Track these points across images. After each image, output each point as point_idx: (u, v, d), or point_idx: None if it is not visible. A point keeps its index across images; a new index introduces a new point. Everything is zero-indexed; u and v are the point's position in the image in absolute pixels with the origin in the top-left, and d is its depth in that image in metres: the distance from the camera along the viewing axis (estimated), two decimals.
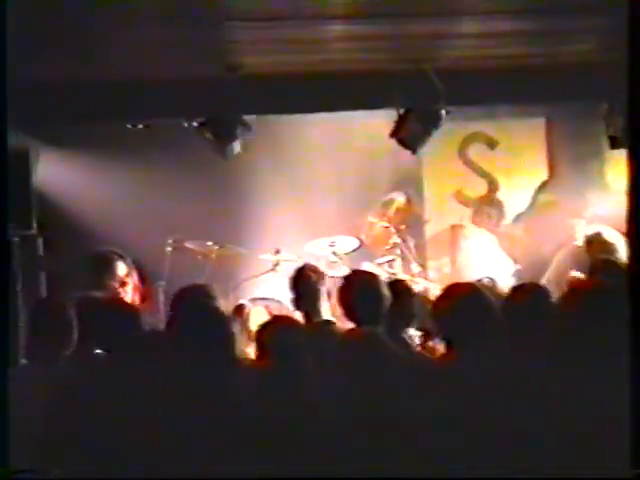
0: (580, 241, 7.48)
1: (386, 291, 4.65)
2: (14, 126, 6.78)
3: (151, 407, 3.61)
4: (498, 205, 8.74)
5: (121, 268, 6.34)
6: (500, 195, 8.82)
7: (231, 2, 5.51)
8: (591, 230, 7.33)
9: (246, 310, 6.92)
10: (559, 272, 7.40)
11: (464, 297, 3.91)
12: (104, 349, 4.27)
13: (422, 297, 6.45)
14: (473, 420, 3.55)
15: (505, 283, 7.59)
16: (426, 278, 8.16)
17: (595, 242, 6.94)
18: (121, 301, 5.49)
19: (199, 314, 4.01)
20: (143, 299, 6.87)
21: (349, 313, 4.69)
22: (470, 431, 3.54)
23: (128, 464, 3.53)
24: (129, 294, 6.38)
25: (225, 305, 5.09)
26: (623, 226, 7.35)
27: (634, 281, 3.44)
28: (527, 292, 4.32)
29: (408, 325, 4.89)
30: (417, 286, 7.50)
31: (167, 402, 3.61)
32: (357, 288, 4.73)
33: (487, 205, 8.70)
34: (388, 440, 3.52)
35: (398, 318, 4.68)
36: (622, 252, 6.87)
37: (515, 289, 4.50)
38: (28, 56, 5.91)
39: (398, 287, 4.95)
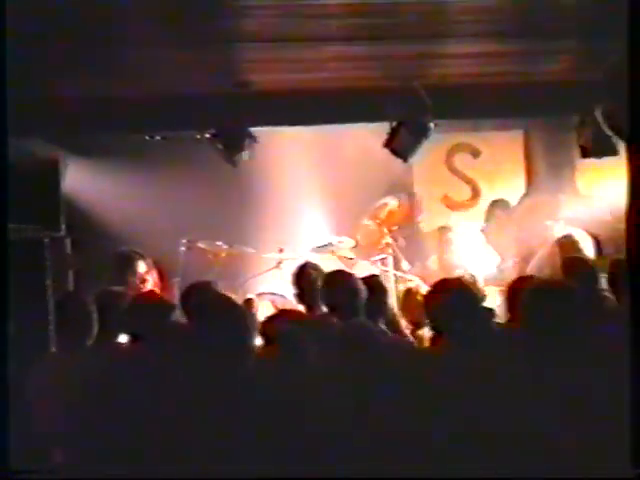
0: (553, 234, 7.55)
1: (362, 285, 4.74)
2: (45, 138, 6.85)
3: (178, 397, 3.45)
4: (506, 207, 8.70)
5: (141, 266, 6.31)
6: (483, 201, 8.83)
7: (241, 25, 5.56)
8: (563, 232, 7.36)
9: (254, 304, 6.93)
10: (539, 269, 7.42)
11: (453, 290, 3.97)
12: (136, 337, 4.26)
13: (414, 291, 6.49)
14: (468, 412, 3.42)
15: (490, 278, 7.68)
16: (416, 274, 8.18)
17: (566, 243, 6.98)
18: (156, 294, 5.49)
19: (220, 307, 3.88)
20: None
21: (331, 308, 4.81)
22: (466, 423, 3.39)
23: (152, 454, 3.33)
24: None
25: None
26: (591, 228, 7.40)
27: (634, 281, 3.22)
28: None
29: (383, 315, 4.89)
30: (411, 283, 7.53)
31: (193, 393, 3.46)
32: (338, 286, 4.83)
33: (497, 207, 8.67)
34: (388, 426, 3.42)
35: (374, 309, 4.72)
36: (590, 252, 6.90)
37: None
38: (58, 74, 5.98)
39: (372, 282, 5.00)
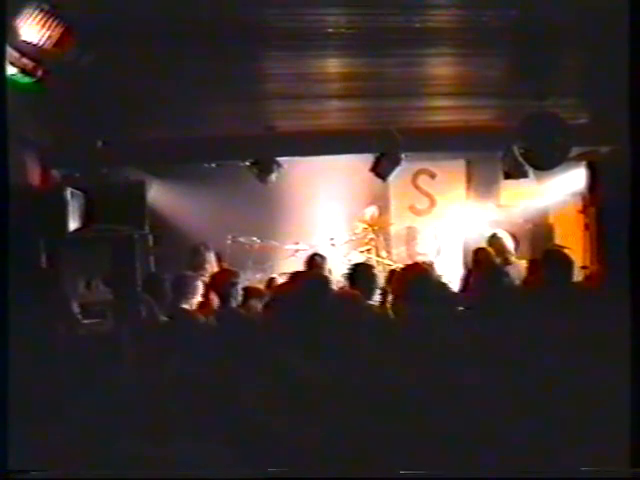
0: (485, 235, 7.50)
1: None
2: (137, 167, 6.94)
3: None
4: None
5: (206, 254, 6.17)
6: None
7: (269, 87, 5.62)
8: (490, 231, 7.26)
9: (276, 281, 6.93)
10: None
11: (417, 271, 4.02)
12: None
13: (388, 271, 6.52)
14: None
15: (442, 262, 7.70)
16: (390, 260, 8.26)
17: (493, 239, 6.84)
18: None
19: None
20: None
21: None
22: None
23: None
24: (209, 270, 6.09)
25: None
26: (507, 227, 7.26)
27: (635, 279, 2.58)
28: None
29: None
30: (389, 267, 7.59)
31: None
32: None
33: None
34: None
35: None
36: (511, 247, 6.77)
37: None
38: (147, 125, 6.09)
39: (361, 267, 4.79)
